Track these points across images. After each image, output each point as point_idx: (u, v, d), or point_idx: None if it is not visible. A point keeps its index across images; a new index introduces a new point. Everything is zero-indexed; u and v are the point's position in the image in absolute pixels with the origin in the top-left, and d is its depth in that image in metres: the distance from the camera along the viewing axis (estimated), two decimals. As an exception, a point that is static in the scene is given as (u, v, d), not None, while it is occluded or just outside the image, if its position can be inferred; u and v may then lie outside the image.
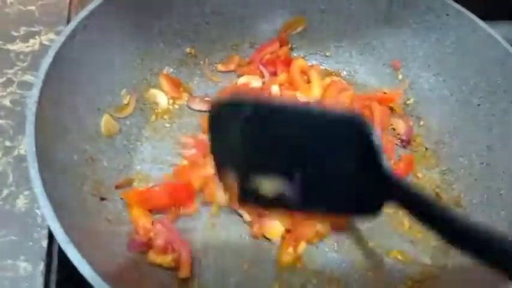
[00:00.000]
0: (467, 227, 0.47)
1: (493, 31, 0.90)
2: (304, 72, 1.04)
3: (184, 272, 0.76)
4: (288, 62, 1.03)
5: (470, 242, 0.47)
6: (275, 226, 0.81)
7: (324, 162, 0.55)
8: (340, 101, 0.98)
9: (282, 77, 1.02)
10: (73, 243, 0.59)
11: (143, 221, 0.79)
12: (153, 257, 0.77)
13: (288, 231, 0.82)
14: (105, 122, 0.85)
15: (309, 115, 0.55)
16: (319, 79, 1.02)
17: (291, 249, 0.80)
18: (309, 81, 1.02)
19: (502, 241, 0.45)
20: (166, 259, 0.77)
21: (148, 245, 0.78)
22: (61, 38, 0.77)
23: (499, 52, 0.88)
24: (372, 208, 0.55)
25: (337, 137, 0.54)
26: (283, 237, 0.81)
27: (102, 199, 0.78)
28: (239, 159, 0.61)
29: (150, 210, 0.81)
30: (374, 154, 0.51)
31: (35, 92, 0.70)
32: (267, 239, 0.82)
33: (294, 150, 0.56)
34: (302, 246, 0.81)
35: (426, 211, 0.50)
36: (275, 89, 0.97)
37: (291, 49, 1.09)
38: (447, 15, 0.95)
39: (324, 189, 0.56)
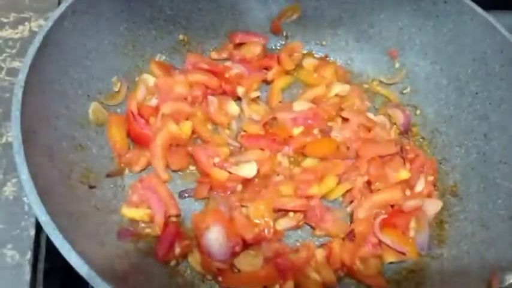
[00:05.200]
0: None
1: (492, 18, 0.88)
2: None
3: (155, 230, 0.77)
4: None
5: None
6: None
7: None
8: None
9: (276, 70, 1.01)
10: (59, 229, 0.58)
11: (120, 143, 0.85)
12: (125, 210, 0.79)
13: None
14: (94, 109, 0.83)
15: None
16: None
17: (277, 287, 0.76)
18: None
19: None
20: (139, 213, 0.79)
21: (138, 235, 0.77)
22: (49, 23, 0.75)
23: (497, 40, 0.87)
24: None
25: None
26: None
27: (91, 187, 0.77)
28: None
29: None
30: None
31: (21, 78, 0.68)
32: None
33: None
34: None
35: None
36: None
37: (286, 37, 1.07)
38: (445, 2, 0.93)
39: None
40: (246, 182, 0.84)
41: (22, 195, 0.75)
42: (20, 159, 0.61)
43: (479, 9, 0.90)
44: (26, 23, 0.98)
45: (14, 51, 0.92)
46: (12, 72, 0.88)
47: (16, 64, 0.90)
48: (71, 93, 0.80)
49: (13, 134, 0.63)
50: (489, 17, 0.88)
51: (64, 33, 0.78)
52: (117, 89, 0.89)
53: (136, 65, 0.94)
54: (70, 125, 0.78)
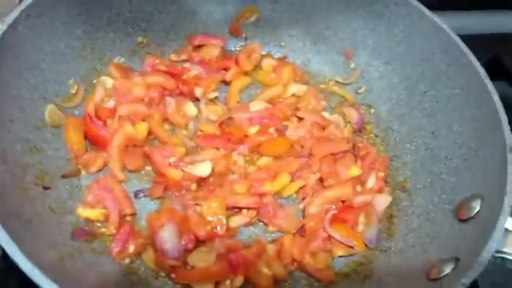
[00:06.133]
0: None
1: (439, 19, 0.91)
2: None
3: (110, 229, 0.79)
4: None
5: None
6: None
7: None
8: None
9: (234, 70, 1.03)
10: (7, 230, 0.59)
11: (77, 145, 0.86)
12: (81, 210, 0.80)
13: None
14: (50, 112, 0.84)
15: None
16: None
17: (228, 282, 0.78)
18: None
19: None
20: (94, 213, 0.80)
21: (92, 234, 0.79)
22: (2, 28, 0.77)
23: (442, 39, 0.90)
24: None
25: None
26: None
27: (46, 188, 0.78)
28: None
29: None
30: None
31: (-27, 82, 0.70)
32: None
33: None
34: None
35: None
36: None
37: (245, 38, 1.09)
38: (395, 4, 0.96)
39: None
40: (201, 180, 0.86)
41: (-23, 197, 0.77)
42: (-32, 163, 0.63)
43: (426, 11, 0.93)
44: (-14, 27, 0.99)
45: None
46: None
47: (-27, 68, 0.91)
48: (26, 96, 0.81)
49: (-38, 137, 0.65)
50: (435, 17, 0.92)
51: (19, 38, 0.79)
52: (74, 92, 0.90)
53: (95, 68, 0.95)
54: (25, 128, 0.80)
